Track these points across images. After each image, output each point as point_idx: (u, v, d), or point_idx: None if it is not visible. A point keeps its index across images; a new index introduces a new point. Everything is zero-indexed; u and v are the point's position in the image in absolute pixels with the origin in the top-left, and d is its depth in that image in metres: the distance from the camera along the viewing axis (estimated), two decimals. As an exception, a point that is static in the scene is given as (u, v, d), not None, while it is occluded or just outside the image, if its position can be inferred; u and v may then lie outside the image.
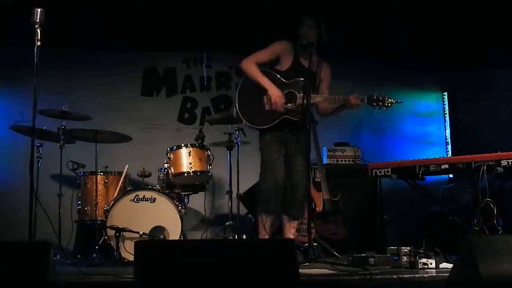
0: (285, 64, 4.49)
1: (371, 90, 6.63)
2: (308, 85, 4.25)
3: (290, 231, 4.53)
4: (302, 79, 4.33)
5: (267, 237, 4.41)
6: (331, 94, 4.47)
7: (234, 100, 4.55)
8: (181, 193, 5.21)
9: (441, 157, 4.78)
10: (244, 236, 5.11)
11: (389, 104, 4.29)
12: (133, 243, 2.87)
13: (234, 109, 4.52)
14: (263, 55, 4.48)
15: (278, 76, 4.45)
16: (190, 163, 5.07)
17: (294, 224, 4.56)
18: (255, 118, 4.44)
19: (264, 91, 4.36)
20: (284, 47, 4.51)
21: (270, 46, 4.51)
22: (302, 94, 4.27)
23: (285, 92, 4.38)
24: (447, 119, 7.39)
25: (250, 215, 5.79)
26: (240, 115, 4.44)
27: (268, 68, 4.50)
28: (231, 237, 5.15)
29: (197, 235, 5.98)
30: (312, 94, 4.32)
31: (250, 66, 4.41)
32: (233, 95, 6.63)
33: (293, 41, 4.53)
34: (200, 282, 2.66)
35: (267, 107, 4.39)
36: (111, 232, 4.55)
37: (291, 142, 4.42)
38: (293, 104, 4.36)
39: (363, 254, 4.10)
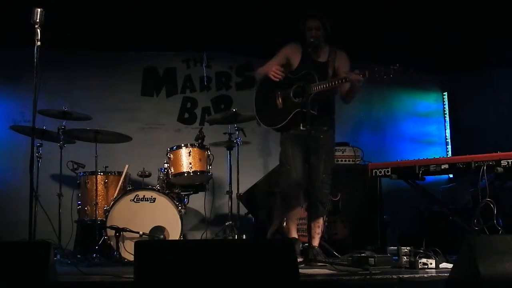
0: (296, 63, 4.56)
1: (371, 89, 6.68)
2: (314, 75, 4.28)
3: (315, 231, 4.43)
4: (307, 71, 4.36)
5: (295, 233, 4.51)
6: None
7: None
8: (181, 193, 5.21)
9: (441, 157, 4.78)
10: (244, 236, 5.11)
11: (392, 72, 4.14)
12: (133, 243, 2.87)
13: (256, 118, 4.65)
14: (274, 61, 4.59)
15: (288, 74, 4.50)
16: (190, 163, 5.07)
17: (319, 223, 4.51)
18: (271, 120, 4.55)
19: (275, 92, 4.48)
20: (292, 48, 4.59)
21: (279, 51, 4.62)
22: (310, 85, 4.31)
23: (295, 87, 4.42)
24: (447, 119, 7.39)
25: (250, 215, 5.79)
26: (259, 120, 4.59)
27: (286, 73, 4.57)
28: (231, 237, 5.15)
29: (197, 235, 5.98)
30: (319, 82, 4.32)
31: (257, 70, 4.63)
32: (233, 95, 6.66)
33: (301, 41, 4.57)
34: (200, 282, 2.67)
35: (279, 106, 4.48)
36: (111, 232, 4.55)
37: (309, 141, 4.31)
38: (303, 96, 4.39)
39: (363, 254, 4.10)
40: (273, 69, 4.43)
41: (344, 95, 4.50)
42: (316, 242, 4.39)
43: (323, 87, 4.31)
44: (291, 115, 4.41)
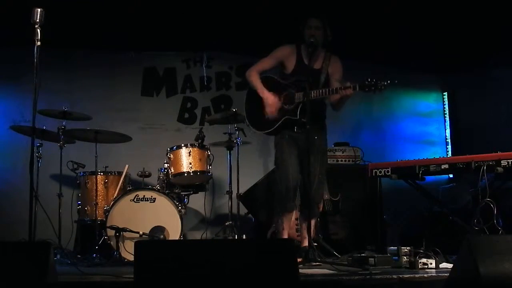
0: (290, 67, 4.54)
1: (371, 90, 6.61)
2: (308, 83, 4.24)
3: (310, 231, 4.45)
4: (300, 78, 4.34)
5: (286, 235, 4.47)
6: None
7: (243, 108, 4.72)
8: (181, 193, 5.21)
9: (441, 157, 4.78)
10: (244, 236, 5.11)
11: (382, 87, 4.12)
12: (133, 243, 2.87)
13: (245, 121, 4.69)
14: (266, 62, 4.59)
15: (279, 79, 4.53)
16: (190, 163, 5.08)
17: (313, 224, 4.50)
18: (260, 124, 4.56)
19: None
20: (286, 51, 4.57)
21: (272, 52, 4.60)
22: (300, 93, 4.32)
23: (284, 93, 4.44)
24: (447, 119, 7.39)
25: (250, 215, 5.79)
26: (248, 123, 4.62)
27: (278, 73, 4.58)
28: (231, 237, 5.15)
29: (197, 235, 5.98)
30: (311, 90, 4.30)
31: (251, 75, 4.56)
32: (233, 95, 6.67)
33: (296, 43, 4.55)
34: (200, 282, 2.67)
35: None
36: (111, 232, 4.56)
37: (303, 142, 4.33)
38: (292, 104, 4.39)
39: (363, 254, 4.10)
40: (270, 108, 4.41)
41: (334, 103, 4.52)
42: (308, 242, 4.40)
43: (314, 96, 4.31)
44: (281, 121, 4.44)
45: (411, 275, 3.37)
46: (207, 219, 5.82)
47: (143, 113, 6.47)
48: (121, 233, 4.54)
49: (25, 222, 3.48)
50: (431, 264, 3.76)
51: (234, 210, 5.35)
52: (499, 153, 4.20)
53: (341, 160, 5.81)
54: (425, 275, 3.40)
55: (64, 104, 5.13)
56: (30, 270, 2.70)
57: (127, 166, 5.19)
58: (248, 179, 5.73)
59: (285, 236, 4.48)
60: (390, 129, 7.15)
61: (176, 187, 5.18)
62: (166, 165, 5.13)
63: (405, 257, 3.89)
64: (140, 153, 5.99)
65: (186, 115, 6.59)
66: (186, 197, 5.29)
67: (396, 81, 4.15)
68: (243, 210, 5.62)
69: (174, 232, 4.68)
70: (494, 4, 5.40)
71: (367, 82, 4.15)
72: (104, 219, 4.71)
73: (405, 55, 6.62)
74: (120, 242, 4.53)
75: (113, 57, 6.40)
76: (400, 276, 3.31)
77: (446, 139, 7.35)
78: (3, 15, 5.22)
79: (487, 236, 3.92)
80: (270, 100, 4.43)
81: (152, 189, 4.84)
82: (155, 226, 4.65)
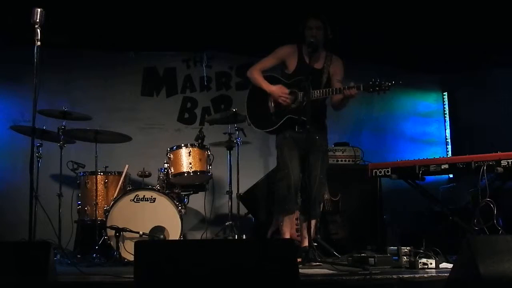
0: (291, 66, 4.55)
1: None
2: (308, 82, 4.24)
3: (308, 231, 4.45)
4: (301, 77, 4.34)
5: (288, 236, 4.47)
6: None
7: (244, 108, 4.72)
8: (181, 193, 5.21)
9: (441, 157, 4.78)
10: (244, 236, 5.11)
11: (387, 88, 4.15)
12: (133, 243, 2.87)
13: (246, 119, 4.68)
14: (268, 61, 4.61)
15: (281, 78, 4.53)
16: (190, 163, 5.08)
17: (314, 224, 4.47)
18: (262, 123, 4.57)
19: (268, 95, 4.49)
20: (287, 51, 4.58)
21: (273, 52, 4.61)
22: (302, 92, 4.33)
23: (288, 92, 4.43)
24: (447, 119, 7.39)
25: (250, 215, 5.79)
26: (250, 122, 4.61)
27: (279, 73, 4.59)
28: (231, 237, 5.15)
29: (197, 235, 5.98)
30: (313, 90, 4.30)
31: (253, 73, 4.58)
32: (233, 95, 6.67)
33: (297, 43, 4.55)
34: (200, 282, 2.67)
35: (271, 110, 4.51)
36: (111, 232, 4.56)
37: (305, 142, 4.29)
38: (294, 103, 4.39)
39: (363, 254, 4.10)
40: (282, 97, 4.40)
41: (336, 103, 4.52)
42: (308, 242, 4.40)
43: (316, 95, 4.31)
44: (283, 120, 4.44)
45: (411, 275, 3.36)
46: (207, 219, 5.83)
47: (143, 113, 6.46)
48: (121, 233, 4.54)
49: (25, 222, 3.48)
50: (431, 264, 3.76)
51: (234, 210, 5.35)
52: (499, 153, 4.20)
53: (341, 160, 5.81)
54: (425, 275, 3.40)
55: (64, 104, 5.13)
56: (30, 270, 2.70)
57: (127, 166, 5.19)
58: (248, 179, 5.73)
59: (286, 236, 4.47)
60: (390, 129, 7.15)
61: (176, 187, 5.18)
62: (166, 165, 5.13)
63: (405, 257, 3.89)
64: (140, 153, 5.99)
65: (186, 115, 6.59)
66: (186, 197, 5.29)
67: (400, 82, 4.17)
68: (243, 210, 5.62)
69: (174, 232, 4.68)
70: (494, 4, 5.40)
71: (371, 83, 4.17)
72: (104, 219, 4.71)
73: (405, 55, 6.61)
74: (120, 242, 4.53)
75: (113, 57, 6.39)
76: (400, 276, 3.31)
77: (446, 139, 7.36)
78: (4, 15, 5.22)
79: (487, 236, 3.92)
80: (279, 90, 4.42)
81: (152, 189, 4.84)
82: (155, 226, 4.65)
